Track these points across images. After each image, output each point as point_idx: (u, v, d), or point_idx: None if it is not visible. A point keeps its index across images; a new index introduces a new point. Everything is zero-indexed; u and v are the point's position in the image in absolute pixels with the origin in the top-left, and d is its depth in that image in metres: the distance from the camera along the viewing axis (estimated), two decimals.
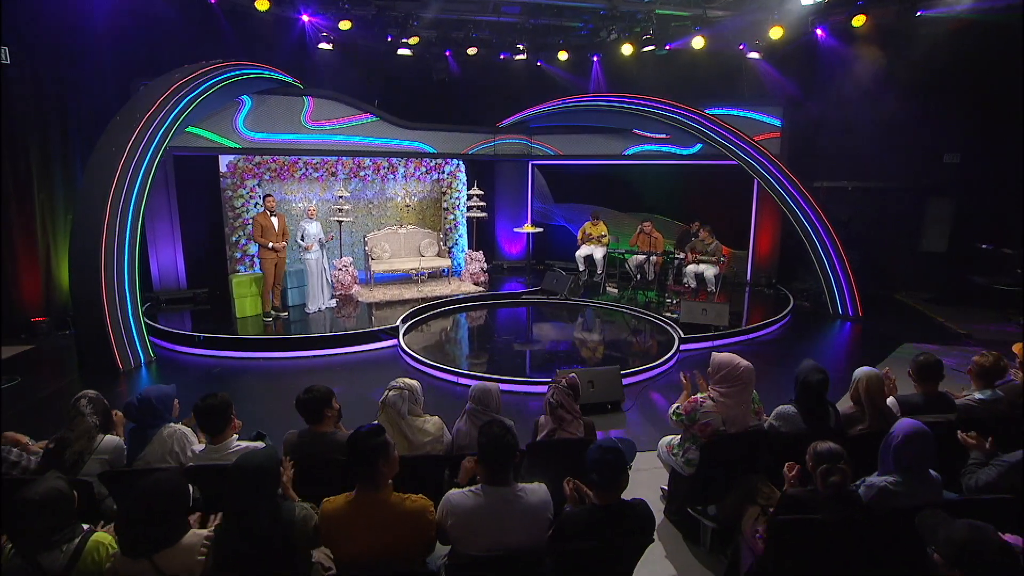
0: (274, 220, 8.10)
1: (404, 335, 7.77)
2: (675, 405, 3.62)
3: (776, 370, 6.96)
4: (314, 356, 7.34)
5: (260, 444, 3.04)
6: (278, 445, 3.62)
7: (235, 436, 3.01)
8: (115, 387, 6.38)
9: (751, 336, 8.16)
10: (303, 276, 8.63)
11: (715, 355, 3.45)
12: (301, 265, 8.63)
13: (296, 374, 6.86)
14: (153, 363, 7.09)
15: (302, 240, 8.42)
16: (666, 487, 3.98)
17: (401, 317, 8.13)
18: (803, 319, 9.28)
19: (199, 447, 2.93)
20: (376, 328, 7.75)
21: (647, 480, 4.35)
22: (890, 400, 3.44)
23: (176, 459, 2.97)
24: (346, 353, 7.45)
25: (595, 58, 11.95)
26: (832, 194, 11.14)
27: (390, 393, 3.08)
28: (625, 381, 6.18)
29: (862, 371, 3.39)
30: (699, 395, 3.47)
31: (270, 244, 8.00)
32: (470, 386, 6.37)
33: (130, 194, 6.74)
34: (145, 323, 7.78)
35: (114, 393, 6.21)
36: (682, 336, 7.59)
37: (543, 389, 6.20)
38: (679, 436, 3.69)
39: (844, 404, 3.65)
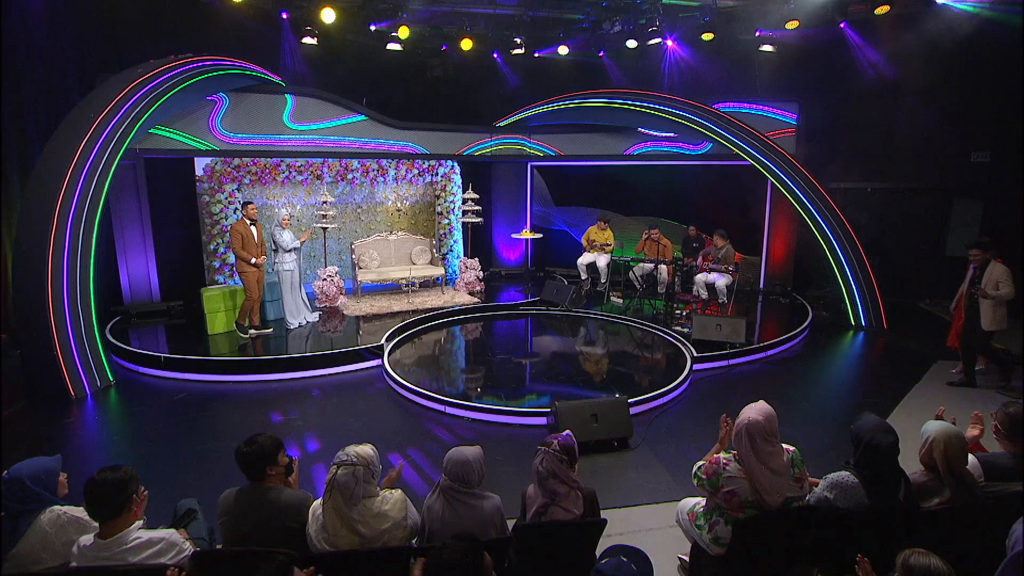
0: (254, 230, 7.43)
1: (389, 354, 7.11)
2: (699, 463, 2.95)
3: (795, 394, 6.28)
4: (289, 379, 6.67)
5: (169, 534, 2.36)
6: (211, 513, 2.98)
7: (138, 523, 2.34)
8: (66, 417, 5.72)
9: (769, 353, 7.46)
10: (276, 289, 7.95)
11: (745, 408, 2.78)
12: (274, 277, 7.94)
13: (269, 399, 6.20)
14: (113, 387, 6.42)
15: (275, 251, 7.73)
16: (687, 557, 3.30)
17: (387, 334, 7.45)
18: (821, 331, 8.58)
19: (89, 539, 2.27)
20: (357, 347, 7.04)
21: (662, 543, 3.66)
22: (970, 461, 2.76)
23: (62, 554, 2.30)
24: (324, 376, 6.79)
25: (602, 53, 11.26)
26: (850, 196, 10.44)
27: (339, 472, 2.40)
28: (633, 410, 5.50)
29: (935, 429, 2.71)
30: (722, 455, 2.79)
31: (253, 260, 7.33)
32: (459, 416, 5.89)
33: (83, 201, 6.08)
34: (110, 342, 7.20)
35: (63, 425, 5.57)
36: (695, 354, 6.91)
37: (540, 421, 5.58)
38: (703, 500, 3.01)
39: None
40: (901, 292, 9.96)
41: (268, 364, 6.72)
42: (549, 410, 5.22)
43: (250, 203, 7.42)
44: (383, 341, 7.18)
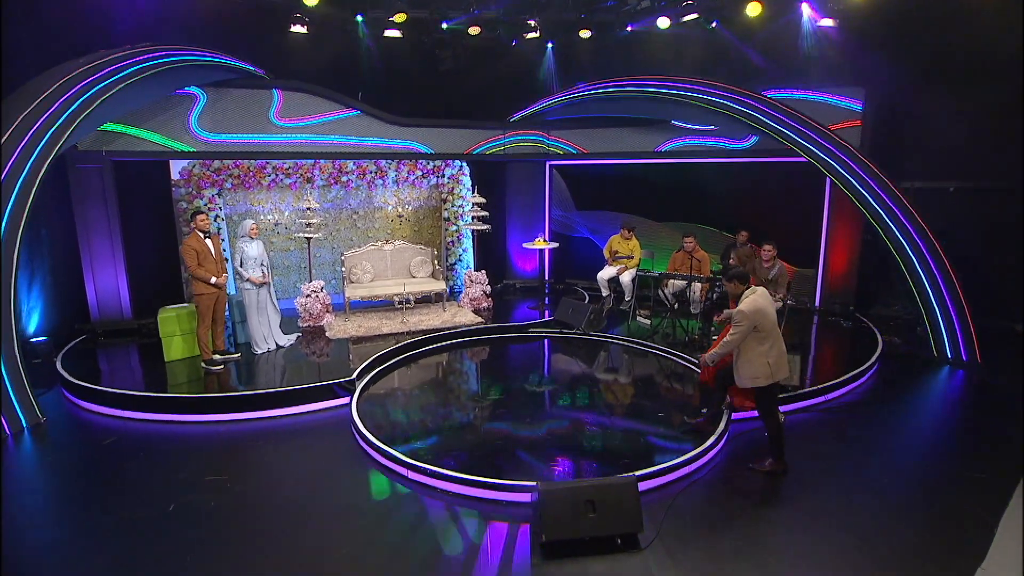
0: (209, 244, 6.46)
1: (363, 390, 6.01)
2: None
3: (867, 459, 4.80)
4: (243, 420, 5.65)
5: None
6: None
7: None
8: None
9: (828, 396, 5.98)
10: (244, 309, 6.96)
11: None
12: (241, 296, 6.95)
13: (209, 446, 5.19)
14: (42, 426, 5.55)
15: (241, 266, 6.76)
16: None
17: (363, 365, 6.35)
18: (895, 365, 7.01)
19: None
20: (320, 383, 5.94)
21: None
22: None
23: None
24: (284, 416, 5.74)
25: (631, 27, 9.80)
26: (927, 197, 8.73)
27: None
28: (646, 484, 4.23)
29: None
30: None
31: (212, 279, 6.36)
32: (427, 485, 4.40)
33: None
34: (57, 369, 6.38)
35: None
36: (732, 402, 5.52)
37: (523, 498, 4.35)
38: None
39: None
40: (991, 313, 8.22)
41: (217, 402, 5.71)
42: (533, 484, 3.98)
43: (200, 213, 6.45)
44: (355, 376, 6.08)
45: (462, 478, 4.29)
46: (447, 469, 4.39)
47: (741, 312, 4.36)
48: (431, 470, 4.41)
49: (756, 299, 4.39)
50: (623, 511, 3.67)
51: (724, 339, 4.56)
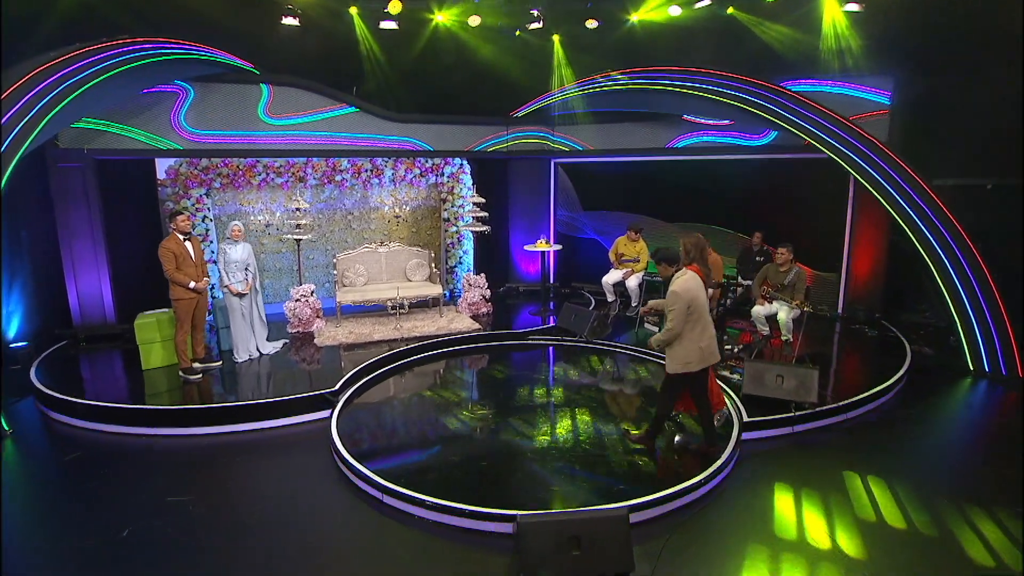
0: (189, 246, 6.13)
1: (346, 403, 5.61)
2: None
3: (894, 486, 4.25)
4: (218, 433, 5.29)
5: None
6: None
7: None
8: None
9: (851, 415, 5.44)
10: (227, 314, 6.61)
11: None
12: (225, 300, 6.61)
13: (178, 462, 4.86)
14: (8, 438, 5.25)
15: (225, 270, 6.41)
16: None
17: (347, 376, 5.96)
18: (925, 378, 6.42)
19: None
20: (296, 396, 5.55)
21: None
22: None
23: None
24: (263, 429, 5.37)
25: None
26: (962, 195, 8.09)
27: None
28: (640, 516, 3.76)
29: None
30: None
31: (191, 284, 6.04)
32: (403, 512, 3.92)
33: None
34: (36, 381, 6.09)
35: None
36: (744, 417, 5.02)
37: (506, 528, 3.91)
38: None
39: None
40: None
41: (190, 415, 5.36)
42: (514, 515, 3.54)
43: (180, 213, 6.12)
44: (337, 388, 5.69)
45: (439, 504, 3.86)
46: (424, 494, 3.96)
47: (674, 293, 4.22)
48: (407, 495, 3.98)
49: (687, 280, 4.27)
50: (613, 546, 3.20)
51: (665, 327, 4.30)
